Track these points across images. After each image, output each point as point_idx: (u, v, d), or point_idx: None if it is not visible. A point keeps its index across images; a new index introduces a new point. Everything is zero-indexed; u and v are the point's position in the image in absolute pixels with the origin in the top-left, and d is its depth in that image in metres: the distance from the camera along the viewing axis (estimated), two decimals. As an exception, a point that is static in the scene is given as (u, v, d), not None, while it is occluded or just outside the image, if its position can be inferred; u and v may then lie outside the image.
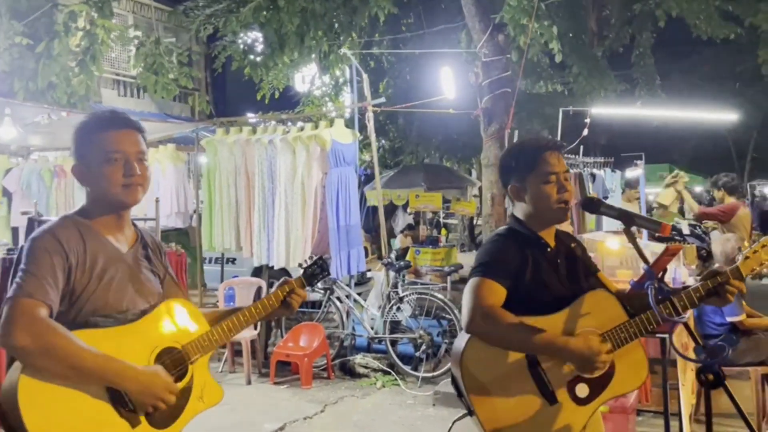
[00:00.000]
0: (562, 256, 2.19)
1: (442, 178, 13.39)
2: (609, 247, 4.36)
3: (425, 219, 14.01)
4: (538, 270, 2.09)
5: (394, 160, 15.39)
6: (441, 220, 16.35)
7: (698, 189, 22.71)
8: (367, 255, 9.60)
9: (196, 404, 1.87)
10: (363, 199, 12.88)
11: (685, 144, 24.14)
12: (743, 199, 6.96)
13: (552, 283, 2.11)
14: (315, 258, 2.23)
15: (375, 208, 13.88)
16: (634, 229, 2.11)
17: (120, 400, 1.71)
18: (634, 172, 7.41)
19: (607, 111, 7.65)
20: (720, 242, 4.31)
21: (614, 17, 13.27)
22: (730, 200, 6.32)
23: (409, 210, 12.60)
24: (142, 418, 1.74)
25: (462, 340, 2.02)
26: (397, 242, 12.85)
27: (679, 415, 3.94)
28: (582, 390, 1.99)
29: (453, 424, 2.09)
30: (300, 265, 2.25)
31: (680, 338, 3.75)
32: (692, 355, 4.18)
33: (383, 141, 15.90)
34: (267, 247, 6.25)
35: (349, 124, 7.27)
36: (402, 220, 14.41)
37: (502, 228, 2.20)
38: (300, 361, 5.79)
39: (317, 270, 2.20)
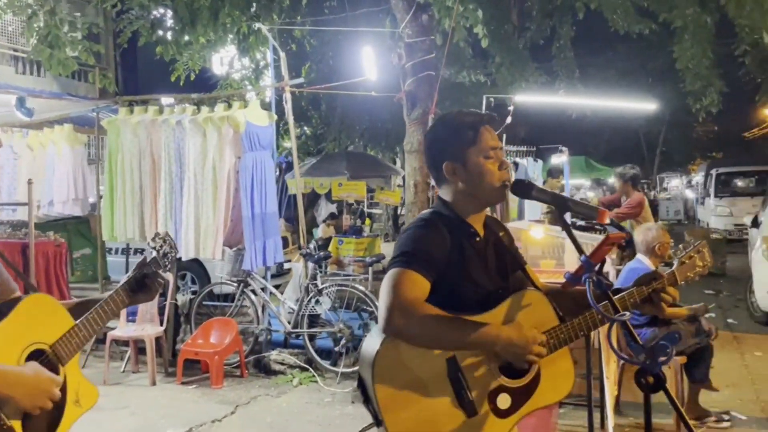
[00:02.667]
0: (491, 246, 1.96)
1: (365, 166, 13.15)
2: (533, 236, 4.23)
3: (348, 208, 13.74)
4: (465, 262, 1.85)
5: (317, 147, 15.01)
6: (365, 209, 16.16)
7: (611, 180, 23.65)
8: (287, 245, 9.24)
9: (73, 410, 1.63)
10: (284, 187, 12.47)
11: (599, 138, 25.07)
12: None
13: (479, 277, 1.87)
14: (162, 235, 2.05)
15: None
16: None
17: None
18: (559, 158, 7.43)
19: (531, 99, 7.65)
20: (641, 231, 4.28)
21: (535, 9, 13.42)
22: (634, 193, 6.39)
23: (333, 198, 12.32)
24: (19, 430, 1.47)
25: (375, 339, 1.77)
26: (320, 232, 12.52)
27: (601, 406, 3.87)
28: (504, 401, 1.78)
29: (360, 437, 1.84)
30: (149, 244, 2.01)
31: (616, 332, 3.66)
32: (626, 351, 4.14)
33: (305, 127, 15.46)
34: (174, 236, 5.77)
35: (267, 106, 6.88)
36: (325, 209, 14.07)
37: (426, 212, 1.93)
38: (210, 358, 5.39)
39: (167, 248, 2.01)
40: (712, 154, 28.36)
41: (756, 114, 23.25)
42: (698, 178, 21.38)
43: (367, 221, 16.23)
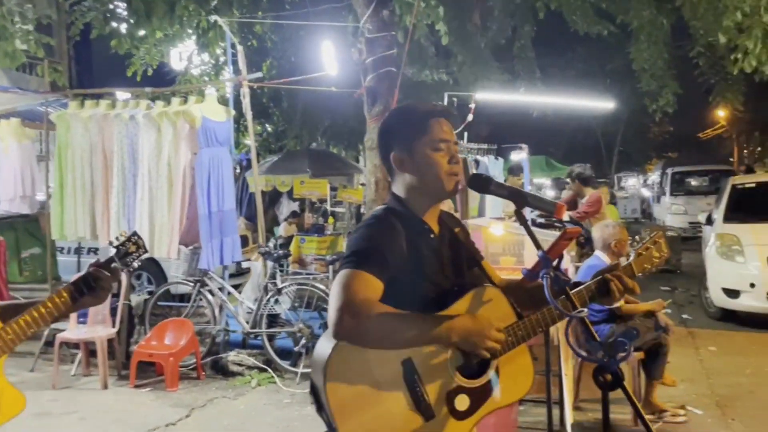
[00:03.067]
0: (446, 243, 1.90)
1: (328, 164, 13.04)
2: (493, 233, 4.21)
3: (311, 206, 13.59)
4: (420, 260, 1.79)
5: (279, 144, 14.82)
6: (328, 208, 16.02)
7: (571, 180, 24.04)
8: (247, 244, 9.08)
9: None
10: (245, 185, 12.26)
11: (560, 137, 25.45)
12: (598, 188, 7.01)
13: (435, 275, 1.82)
14: (129, 233, 1.91)
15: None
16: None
17: None
18: (519, 155, 7.46)
19: (492, 97, 7.68)
20: (599, 228, 4.31)
21: (497, 9, 13.52)
22: (587, 191, 6.41)
23: (295, 196, 12.16)
24: None
25: (327, 343, 1.69)
26: (281, 230, 12.35)
27: (560, 403, 3.89)
28: (462, 402, 1.73)
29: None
30: (110, 243, 1.87)
31: (574, 328, 3.66)
32: (584, 347, 4.15)
33: (267, 125, 15.24)
34: (128, 235, 5.61)
35: (226, 102, 6.71)
36: (286, 207, 13.90)
37: (380, 208, 1.86)
38: (164, 360, 5.24)
39: (132, 248, 1.88)
40: (668, 154, 29.11)
41: (710, 115, 23.95)
42: (654, 177, 21.90)
43: (330, 219, 16.08)
